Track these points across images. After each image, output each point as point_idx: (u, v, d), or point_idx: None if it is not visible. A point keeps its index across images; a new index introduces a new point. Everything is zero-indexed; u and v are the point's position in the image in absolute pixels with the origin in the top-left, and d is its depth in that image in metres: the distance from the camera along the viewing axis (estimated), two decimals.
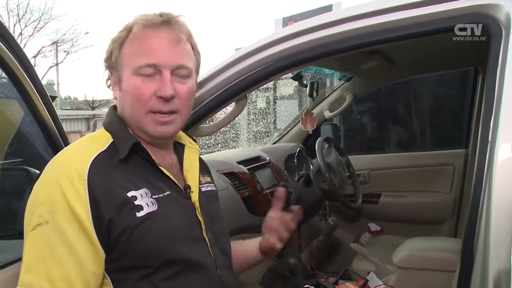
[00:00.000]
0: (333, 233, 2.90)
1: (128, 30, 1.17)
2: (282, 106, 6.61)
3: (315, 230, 3.14)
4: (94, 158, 1.11)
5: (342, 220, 3.27)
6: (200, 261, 1.20)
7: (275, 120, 6.57)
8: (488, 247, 1.14)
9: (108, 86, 1.25)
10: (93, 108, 25.82)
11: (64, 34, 23.72)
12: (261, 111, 6.58)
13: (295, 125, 3.52)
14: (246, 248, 1.51)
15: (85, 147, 1.16)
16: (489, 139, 1.23)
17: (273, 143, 3.58)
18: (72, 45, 24.06)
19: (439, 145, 3.71)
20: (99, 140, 1.18)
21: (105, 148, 1.15)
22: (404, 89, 3.89)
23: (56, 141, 1.51)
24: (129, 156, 1.15)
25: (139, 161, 1.18)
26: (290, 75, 2.87)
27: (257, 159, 2.74)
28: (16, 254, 1.32)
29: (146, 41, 1.15)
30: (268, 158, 2.79)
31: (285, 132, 3.57)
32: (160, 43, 1.15)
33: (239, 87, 1.67)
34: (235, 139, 5.92)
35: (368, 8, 1.49)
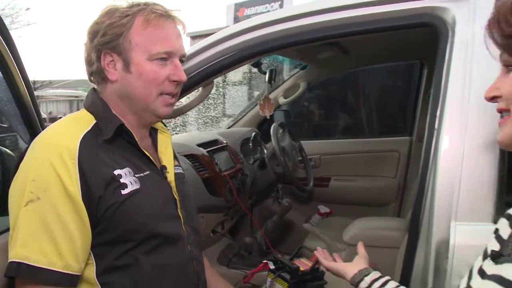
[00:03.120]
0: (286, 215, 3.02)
1: (133, 17, 1.21)
2: (232, 92, 6.66)
3: (268, 211, 3.25)
4: (82, 137, 1.16)
5: (293, 202, 3.38)
6: (177, 236, 1.29)
7: (225, 106, 6.62)
8: (432, 223, 1.30)
9: (94, 68, 1.26)
10: (34, 89, 24.57)
11: (3, 9, 22.43)
12: (213, 96, 6.59)
13: (250, 110, 3.59)
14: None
15: (71, 127, 1.21)
16: (435, 127, 1.38)
17: (228, 127, 3.64)
18: (12, 21, 22.77)
19: (386, 133, 3.87)
20: (82, 121, 1.23)
21: (89, 129, 1.20)
22: (354, 79, 4.01)
23: (32, 121, 1.52)
24: (113, 137, 1.21)
25: (121, 142, 1.24)
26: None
27: (214, 142, 2.79)
28: None
29: (163, 30, 1.23)
30: (225, 142, 2.85)
31: (240, 117, 3.64)
32: (173, 32, 1.25)
33: (206, 73, 1.76)
34: (192, 123, 5.91)
35: (328, 4, 1.60)
